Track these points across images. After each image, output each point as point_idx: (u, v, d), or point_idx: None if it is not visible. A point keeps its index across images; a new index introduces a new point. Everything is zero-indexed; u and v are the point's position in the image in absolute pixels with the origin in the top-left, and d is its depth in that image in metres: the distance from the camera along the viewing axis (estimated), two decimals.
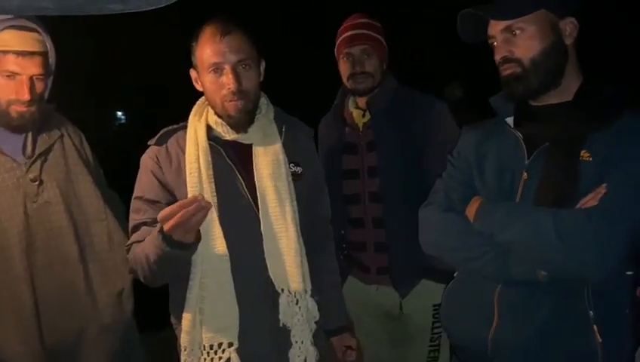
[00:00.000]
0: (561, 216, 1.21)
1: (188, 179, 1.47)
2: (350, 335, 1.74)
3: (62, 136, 1.72)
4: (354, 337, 1.76)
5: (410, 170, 1.98)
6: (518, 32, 1.32)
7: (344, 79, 2.11)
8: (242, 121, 1.51)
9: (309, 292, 1.53)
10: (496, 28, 1.36)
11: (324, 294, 1.63)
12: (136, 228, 1.50)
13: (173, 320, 1.54)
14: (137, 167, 1.56)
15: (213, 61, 1.45)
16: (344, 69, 2.09)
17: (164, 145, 1.54)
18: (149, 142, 1.57)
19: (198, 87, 1.55)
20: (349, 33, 2.07)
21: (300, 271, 1.49)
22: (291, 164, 1.57)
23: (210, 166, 1.48)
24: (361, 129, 2.09)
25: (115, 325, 1.70)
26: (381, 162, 2.02)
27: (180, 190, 1.48)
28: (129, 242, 1.51)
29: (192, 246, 1.36)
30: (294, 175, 1.56)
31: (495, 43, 1.38)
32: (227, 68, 1.45)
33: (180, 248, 1.33)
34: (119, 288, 1.72)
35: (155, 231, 1.35)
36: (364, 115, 2.09)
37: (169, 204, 1.46)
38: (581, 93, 1.34)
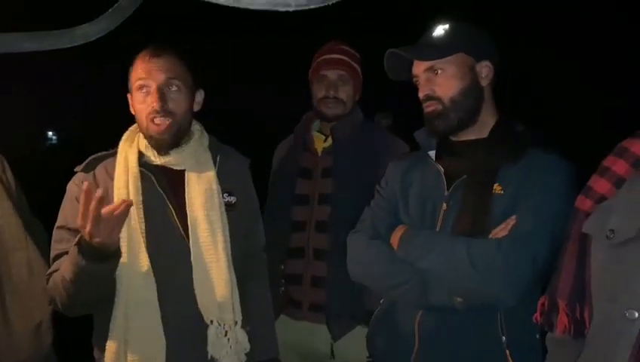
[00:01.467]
0: (474, 246, 1.29)
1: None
2: None
3: None
4: None
5: (362, 203, 1.76)
6: (439, 72, 1.42)
7: (314, 101, 2.04)
8: (164, 142, 1.48)
9: (240, 324, 1.51)
10: (419, 68, 1.46)
11: (256, 325, 1.61)
12: (58, 257, 1.44)
13: (96, 352, 1.49)
14: (65, 191, 1.51)
15: (141, 77, 1.45)
16: (317, 90, 2.02)
17: (91, 172, 1.51)
18: (75, 169, 1.53)
19: (133, 112, 1.53)
20: (328, 56, 2.02)
21: (229, 302, 1.47)
22: (225, 194, 1.56)
23: (140, 192, 1.45)
24: (319, 153, 2.03)
25: (32, 359, 1.62)
26: (335, 189, 1.94)
27: None
28: (49, 271, 1.45)
29: (110, 259, 1.32)
30: (228, 205, 1.55)
31: (419, 81, 1.47)
32: (153, 86, 1.45)
33: (99, 260, 1.29)
34: (37, 320, 1.65)
35: (72, 247, 1.30)
36: (325, 140, 2.04)
37: None
38: (495, 130, 1.44)
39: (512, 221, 1.30)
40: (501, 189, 1.35)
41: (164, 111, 1.45)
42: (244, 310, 1.55)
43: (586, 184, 1.14)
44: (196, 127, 1.59)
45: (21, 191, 1.76)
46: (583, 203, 1.13)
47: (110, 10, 0.78)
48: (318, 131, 2.09)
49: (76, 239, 1.30)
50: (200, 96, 1.58)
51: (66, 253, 1.41)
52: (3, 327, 1.57)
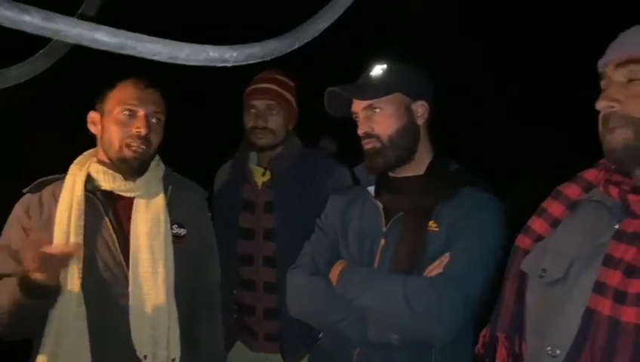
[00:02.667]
0: (410, 284, 1.31)
1: (56, 229, 1.40)
2: None
3: None
4: None
5: (307, 236, 1.75)
6: (377, 110, 1.46)
7: (246, 130, 2.03)
8: (134, 169, 1.49)
9: (177, 361, 1.47)
10: (359, 106, 1.49)
11: (205, 360, 1.59)
12: None
13: None
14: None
15: (132, 102, 1.47)
16: (247, 120, 2.01)
17: (37, 194, 1.48)
18: (23, 190, 1.50)
19: (94, 130, 1.52)
20: (257, 85, 2.01)
21: (165, 337, 1.44)
22: (175, 226, 1.54)
23: (82, 217, 1.42)
24: (260, 187, 2.00)
25: None
26: (278, 225, 1.93)
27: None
28: None
29: (50, 295, 1.32)
30: (176, 236, 1.54)
31: (358, 119, 1.50)
32: (142, 113, 1.47)
33: (39, 296, 1.28)
34: None
35: (13, 278, 1.29)
36: (264, 174, 2.01)
37: None
38: (431, 168, 1.49)
39: (445, 258, 1.34)
40: (436, 226, 1.39)
41: (146, 139, 1.47)
42: (193, 346, 1.52)
43: (526, 224, 1.20)
44: (155, 157, 1.59)
45: None
46: (522, 241, 1.19)
47: (41, 51, 0.76)
48: (256, 164, 2.06)
49: (18, 275, 1.28)
50: (160, 136, 1.58)
51: (6, 275, 1.39)
52: None
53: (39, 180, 1.52)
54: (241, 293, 1.98)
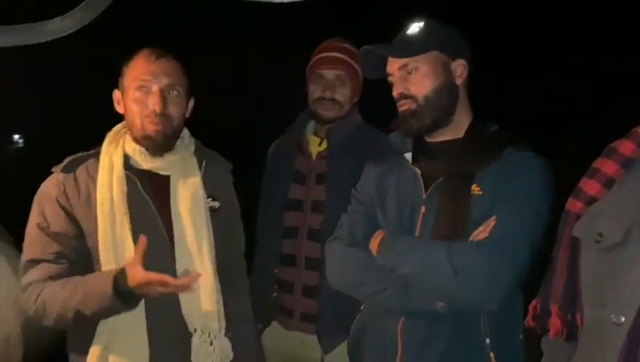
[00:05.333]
0: (454, 250, 1.27)
1: (99, 210, 1.39)
2: None
3: None
4: None
5: None
6: (413, 70, 1.39)
7: (310, 101, 1.94)
8: (160, 144, 1.46)
9: (223, 331, 1.48)
10: (394, 66, 1.43)
11: (237, 332, 1.58)
12: (34, 263, 1.38)
13: (73, 358, 1.44)
14: (32, 193, 1.44)
15: (143, 78, 1.42)
16: (313, 90, 1.92)
17: (71, 174, 1.45)
18: (53, 169, 1.46)
19: (119, 109, 1.50)
20: (326, 54, 1.91)
21: (214, 311, 1.45)
22: (209, 199, 1.53)
23: (125, 197, 1.41)
24: (314, 158, 1.94)
25: None
26: (328, 197, 1.86)
27: (88, 222, 1.40)
28: (28, 281, 1.38)
29: (139, 300, 1.35)
30: (212, 210, 1.53)
31: (393, 80, 1.43)
32: (155, 88, 1.42)
33: (131, 302, 1.33)
34: (5, 335, 1.58)
35: (103, 288, 1.30)
36: (320, 144, 1.94)
37: (76, 237, 1.41)
38: (471, 130, 1.42)
39: (492, 222, 1.28)
40: (479, 190, 1.33)
41: (164, 114, 1.43)
42: (226, 316, 1.51)
43: (577, 186, 1.14)
44: (185, 132, 1.56)
45: None
46: (573, 205, 1.13)
47: (82, 4, 0.74)
48: (313, 134, 1.99)
49: (111, 280, 1.30)
50: (191, 103, 1.55)
51: (44, 260, 1.38)
52: None
53: (70, 158, 1.48)
54: (281, 269, 1.92)
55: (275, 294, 1.91)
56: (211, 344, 1.45)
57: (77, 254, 1.40)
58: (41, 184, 1.46)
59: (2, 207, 1.77)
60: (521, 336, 1.35)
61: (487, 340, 1.30)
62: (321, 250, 1.75)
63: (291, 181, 1.93)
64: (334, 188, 1.84)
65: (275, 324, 1.93)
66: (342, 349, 1.73)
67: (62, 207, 1.41)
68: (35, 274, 1.37)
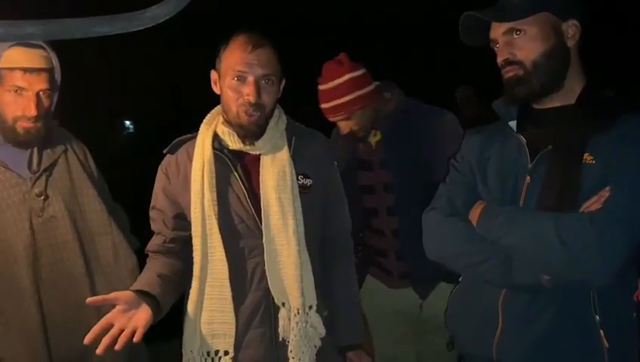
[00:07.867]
0: (564, 221, 1.20)
1: (192, 187, 1.49)
2: (364, 353, 1.66)
3: (66, 150, 1.73)
4: (368, 356, 1.67)
5: (424, 184, 1.80)
6: (519, 34, 1.32)
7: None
8: (253, 133, 1.51)
9: (314, 309, 1.51)
10: (497, 30, 1.36)
11: (339, 309, 1.61)
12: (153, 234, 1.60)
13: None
14: (144, 176, 1.63)
15: (239, 69, 1.46)
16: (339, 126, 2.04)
17: (175, 154, 1.58)
18: (164, 151, 1.60)
19: (216, 90, 1.56)
20: (326, 105, 1.99)
21: (298, 286, 1.47)
22: (300, 176, 1.55)
23: (214, 175, 1.49)
24: (374, 146, 2.07)
25: None
26: (395, 180, 2.02)
27: (185, 198, 1.51)
28: (149, 248, 1.59)
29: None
30: (303, 187, 1.54)
31: (497, 46, 1.37)
32: (251, 79, 1.46)
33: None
34: None
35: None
36: (375, 135, 2.06)
37: (175, 215, 1.55)
38: (584, 96, 1.32)
39: (605, 193, 1.20)
40: (592, 159, 1.24)
41: (258, 105, 1.47)
42: (327, 294, 1.56)
43: None
44: (276, 112, 1.59)
45: (102, 179, 1.85)
46: None
47: None
48: None
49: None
50: (283, 83, 1.59)
51: (156, 232, 1.58)
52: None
53: (177, 139, 1.59)
54: (373, 238, 2.13)
55: (360, 254, 2.09)
56: (297, 319, 1.47)
57: (178, 231, 1.56)
58: (153, 167, 1.62)
59: (120, 190, 1.94)
60: (635, 314, 1.26)
61: (597, 317, 1.23)
62: (399, 222, 2.02)
63: (358, 169, 2.11)
64: (396, 170, 2.03)
65: (372, 281, 2.16)
66: (435, 293, 2.03)
67: (162, 186, 1.57)
68: (151, 245, 1.59)
